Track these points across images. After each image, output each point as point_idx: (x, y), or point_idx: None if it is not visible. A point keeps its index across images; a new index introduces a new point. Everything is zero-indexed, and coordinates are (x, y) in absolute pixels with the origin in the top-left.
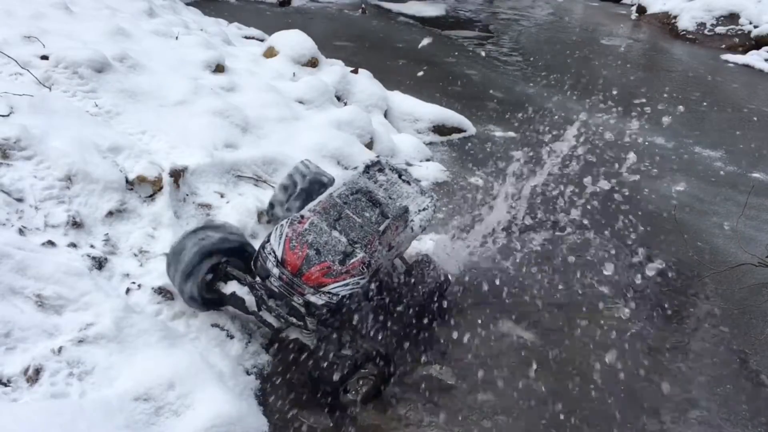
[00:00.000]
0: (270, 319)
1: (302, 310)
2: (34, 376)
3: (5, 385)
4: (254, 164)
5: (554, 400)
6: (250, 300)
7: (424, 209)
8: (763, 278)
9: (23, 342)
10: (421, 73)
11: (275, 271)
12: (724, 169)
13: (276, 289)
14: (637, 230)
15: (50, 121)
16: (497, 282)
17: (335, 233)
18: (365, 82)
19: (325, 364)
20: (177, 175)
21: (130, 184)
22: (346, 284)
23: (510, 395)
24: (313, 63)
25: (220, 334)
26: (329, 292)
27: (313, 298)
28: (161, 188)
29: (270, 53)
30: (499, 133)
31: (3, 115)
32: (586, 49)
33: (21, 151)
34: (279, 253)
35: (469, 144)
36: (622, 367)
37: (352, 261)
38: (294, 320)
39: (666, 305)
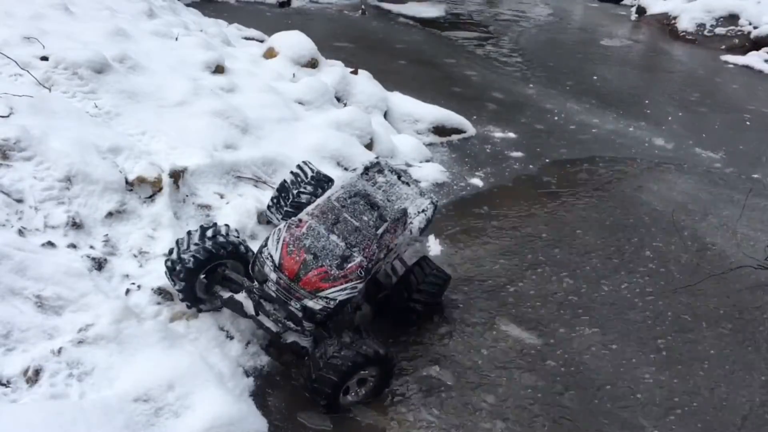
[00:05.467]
0: (268, 323)
1: (299, 314)
2: (33, 376)
3: (5, 385)
4: (254, 165)
5: (553, 403)
6: (248, 303)
7: (423, 211)
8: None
9: (23, 343)
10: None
11: (273, 275)
12: (724, 170)
13: (273, 294)
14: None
15: (50, 122)
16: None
17: (333, 237)
18: (365, 82)
19: (325, 366)
20: (177, 175)
21: (129, 185)
22: (344, 289)
23: (509, 396)
24: (312, 64)
25: (219, 335)
26: (327, 297)
27: (310, 303)
28: (161, 189)
29: (270, 54)
30: (498, 134)
31: (3, 116)
32: (586, 50)
33: (21, 151)
34: (276, 258)
35: (469, 145)
36: (621, 366)
37: (349, 265)
38: (292, 324)
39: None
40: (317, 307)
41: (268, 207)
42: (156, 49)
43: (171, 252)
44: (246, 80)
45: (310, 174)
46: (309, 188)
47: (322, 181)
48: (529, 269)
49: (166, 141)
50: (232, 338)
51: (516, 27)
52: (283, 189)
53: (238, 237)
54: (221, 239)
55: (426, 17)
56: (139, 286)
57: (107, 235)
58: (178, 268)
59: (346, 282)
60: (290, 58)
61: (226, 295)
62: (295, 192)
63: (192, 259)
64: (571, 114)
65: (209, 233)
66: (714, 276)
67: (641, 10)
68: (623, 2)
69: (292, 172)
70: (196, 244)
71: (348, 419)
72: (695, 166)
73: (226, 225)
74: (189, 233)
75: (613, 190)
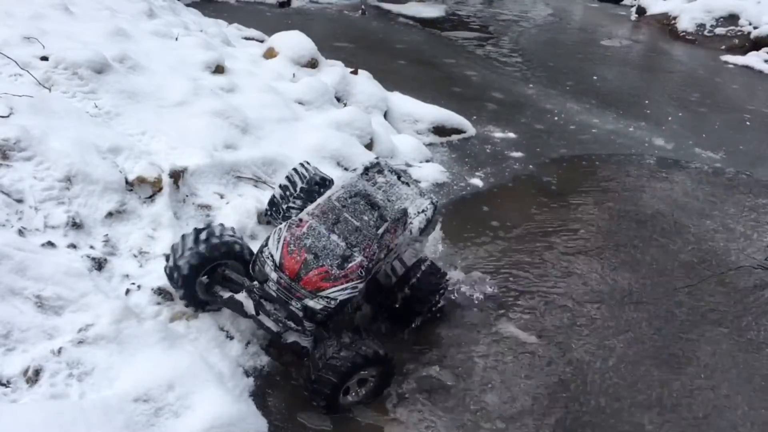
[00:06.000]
0: (268, 323)
1: (300, 314)
2: (33, 376)
3: (5, 385)
4: (254, 165)
5: (552, 402)
6: (249, 303)
7: (423, 211)
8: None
9: (23, 343)
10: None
11: (273, 275)
12: (724, 170)
13: (274, 294)
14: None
15: (50, 122)
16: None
17: (333, 237)
18: (365, 82)
19: (324, 367)
20: (177, 175)
21: (129, 185)
22: (344, 289)
23: (509, 396)
24: (312, 64)
25: (219, 335)
26: (327, 297)
27: (311, 303)
28: (161, 189)
29: (270, 54)
30: (498, 134)
31: (3, 116)
32: (586, 51)
33: (21, 152)
34: (277, 258)
35: (469, 145)
36: (626, 366)
37: (350, 265)
38: (292, 324)
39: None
40: (318, 306)
41: (268, 206)
42: (156, 49)
43: (168, 259)
44: (246, 80)
45: (299, 185)
46: (298, 203)
47: (313, 192)
48: (529, 269)
49: (166, 141)
50: (232, 338)
51: (516, 27)
52: (272, 204)
53: (233, 236)
54: (215, 241)
55: (426, 17)
56: (139, 286)
57: (107, 235)
58: (175, 275)
59: (347, 282)
60: (290, 58)
61: (226, 295)
62: (284, 207)
63: (187, 265)
64: (571, 114)
65: (202, 236)
66: (714, 276)
67: (641, 10)
68: (623, 2)
69: (280, 185)
70: (189, 249)
71: (348, 419)
72: (695, 166)
73: (221, 225)
74: (183, 237)
75: (612, 190)
